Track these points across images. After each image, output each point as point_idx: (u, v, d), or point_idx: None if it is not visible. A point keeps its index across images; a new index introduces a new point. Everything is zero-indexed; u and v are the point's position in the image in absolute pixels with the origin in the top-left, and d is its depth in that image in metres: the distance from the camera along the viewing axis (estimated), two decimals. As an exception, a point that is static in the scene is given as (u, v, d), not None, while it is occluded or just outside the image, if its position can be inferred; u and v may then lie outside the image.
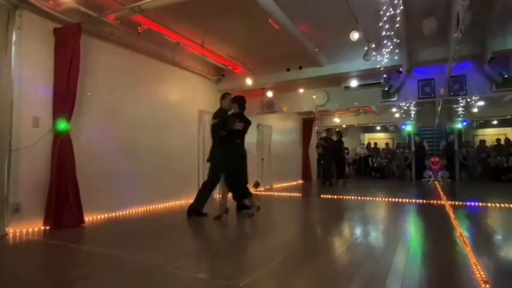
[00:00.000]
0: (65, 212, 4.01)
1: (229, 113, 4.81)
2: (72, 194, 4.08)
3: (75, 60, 4.14)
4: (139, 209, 5.34)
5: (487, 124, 13.02)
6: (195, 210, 4.65)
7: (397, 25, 4.59)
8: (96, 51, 4.71)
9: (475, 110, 10.38)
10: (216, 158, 4.68)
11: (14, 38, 3.81)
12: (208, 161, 4.85)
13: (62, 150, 4.05)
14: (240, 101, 4.83)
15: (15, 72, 3.82)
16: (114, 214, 4.88)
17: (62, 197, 4.00)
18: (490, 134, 12.97)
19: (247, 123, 4.74)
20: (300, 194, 8.33)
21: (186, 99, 6.74)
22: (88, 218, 4.37)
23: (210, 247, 3.26)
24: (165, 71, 6.14)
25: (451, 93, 6.80)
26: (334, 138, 10.15)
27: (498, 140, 11.94)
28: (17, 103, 3.82)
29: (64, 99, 4.11)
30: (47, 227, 3.93)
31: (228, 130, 4.53)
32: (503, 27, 4.92)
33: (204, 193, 4.72)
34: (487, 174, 11.21)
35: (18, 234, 3.68)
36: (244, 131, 4.69)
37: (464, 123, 11.80)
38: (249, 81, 7.00)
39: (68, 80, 4.09)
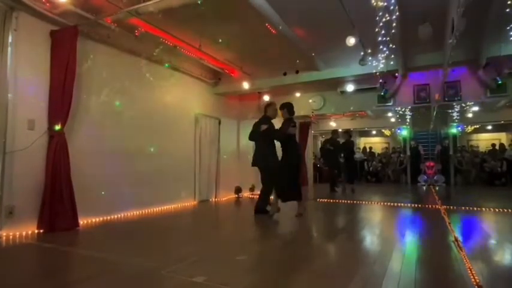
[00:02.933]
0: (60, 215, 3.98)
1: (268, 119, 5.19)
2: (66, 197, 4.05)
3: (71, 62, 4.14)
4: (135, 212, 5.31)
5: (481, 129, 13.13)
6: (262, 209, 5.10)
7: (393, 31, 4.64)
8: (93, 54, 4.70)
9: (470, 115, 10.49)
10: (274, 162, 4.99)
11: (10, 40, 3.80)
12: (255, 166, 5.15)
13: (57, 152, 4.03)
14: (288, 106, 5.11)
15: (11, 74, 3.80)
16: (109, 217, 4.85)
17: (57, 200, 3.97)
18: (484, 139, 13.09)
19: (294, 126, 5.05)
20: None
21: (182, 102, 6.74)
22: (83, 221, 4.34)
23: (207, 250, 3.25)
24: (162, 74, 6.14)
25: (446, 99, 6.87)
26: (341, 139, 9.34)
27: (493, 145, 12.05)
28: (12, 105, 3.79)
29: (60, 102, 4.09)
30: (41, 230, 3.89)
31: (286, 135, 4.85)
32: (497, 34, 4.98)
33: (266, 193, 5.14)
34: (482, 178, 11.30)
35: (11, 237, 3.65)
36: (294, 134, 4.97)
37: (459, 128, 11.91)
38: (245, 85, 7.01)
39: (64, 83, 4.09)
